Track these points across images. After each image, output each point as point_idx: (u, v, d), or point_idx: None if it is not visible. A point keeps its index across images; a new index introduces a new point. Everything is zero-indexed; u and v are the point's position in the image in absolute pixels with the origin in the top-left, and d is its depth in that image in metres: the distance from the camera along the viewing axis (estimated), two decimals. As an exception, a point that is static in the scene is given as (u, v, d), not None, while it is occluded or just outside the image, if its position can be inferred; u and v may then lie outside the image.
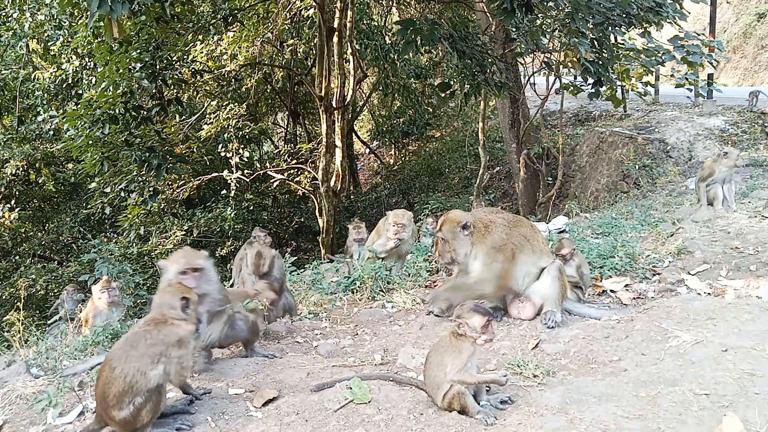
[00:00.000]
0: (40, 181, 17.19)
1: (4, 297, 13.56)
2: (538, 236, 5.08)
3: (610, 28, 9.26)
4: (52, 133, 14.91)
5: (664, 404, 3.30)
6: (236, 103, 16.69)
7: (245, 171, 16.26)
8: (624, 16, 8.89)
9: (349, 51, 15.59)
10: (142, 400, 3.15)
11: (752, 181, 10.07)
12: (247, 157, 16.43)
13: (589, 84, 10.21)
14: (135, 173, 11.01)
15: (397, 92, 20.73)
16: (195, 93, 17.07)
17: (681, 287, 5.35)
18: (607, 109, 18.54)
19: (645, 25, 9.53)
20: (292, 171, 18.10)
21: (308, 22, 17.12)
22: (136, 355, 3.18)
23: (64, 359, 4.59)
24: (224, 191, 16.08)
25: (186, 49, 12.84)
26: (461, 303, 3.64)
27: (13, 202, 16.87)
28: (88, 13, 6.78)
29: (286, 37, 18.14)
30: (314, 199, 16.40)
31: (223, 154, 16.59)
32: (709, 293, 5.15)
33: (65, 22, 14.16)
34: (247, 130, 16.48)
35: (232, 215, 15.37)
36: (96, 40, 10.67)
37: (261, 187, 18.58)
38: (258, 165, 18.15)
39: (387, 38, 18.21)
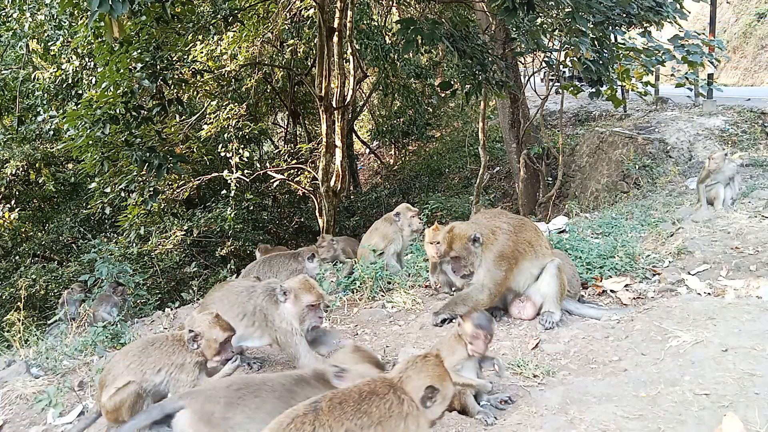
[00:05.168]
0: (40, 181, 17.15)
1: (4, 297, 13.53)
2: (542, 239, 5.06)
3: (610, 27, 9.26)
4: (52, 133, 14.87)
5: (664, 404, 3.30)
6: (236, 103, 16.67)
7: (245, 171, 16.23)
8: (624, 15, 8.90)
9: (349, 51, 15.57)
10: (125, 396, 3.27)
11: (752, 181, 10.06)
12: (247, 157, 16.40)
13: (589, 84, 10.22)
14: (135, 173, 10.98)
15: (397, 92, 20.70)
16: (195, 93, 17.05)
17: (681, 287, 5.33)
18: (607, 109, 18.54)
19: (645, 25, 9.54)
20: (292, 171, 18.08)
21: (308, 22, 17.11)
22: (150, 353, 3.39)
23: (64, 359, 4.59)
24: (224, 191, 16.06)
25: (186, 49, 12.82)
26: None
27: (13, 202, 16.86)
28: (89, 12, 6.77)
29: (286, 37, 18.12)
30: (314, 199, 16.39)
31: (223, 154, 16.57)
32: (709, 293, 5.13)
33: (65, 22, 14.14)
34: (247, 130, 16.46)
35: (232, 215, 15.36)
36: (96, 40, 10.65)
37: (261, 187, 18.56)
38: (258, 165, 18.12)
39: (387, 38, 18.19)
